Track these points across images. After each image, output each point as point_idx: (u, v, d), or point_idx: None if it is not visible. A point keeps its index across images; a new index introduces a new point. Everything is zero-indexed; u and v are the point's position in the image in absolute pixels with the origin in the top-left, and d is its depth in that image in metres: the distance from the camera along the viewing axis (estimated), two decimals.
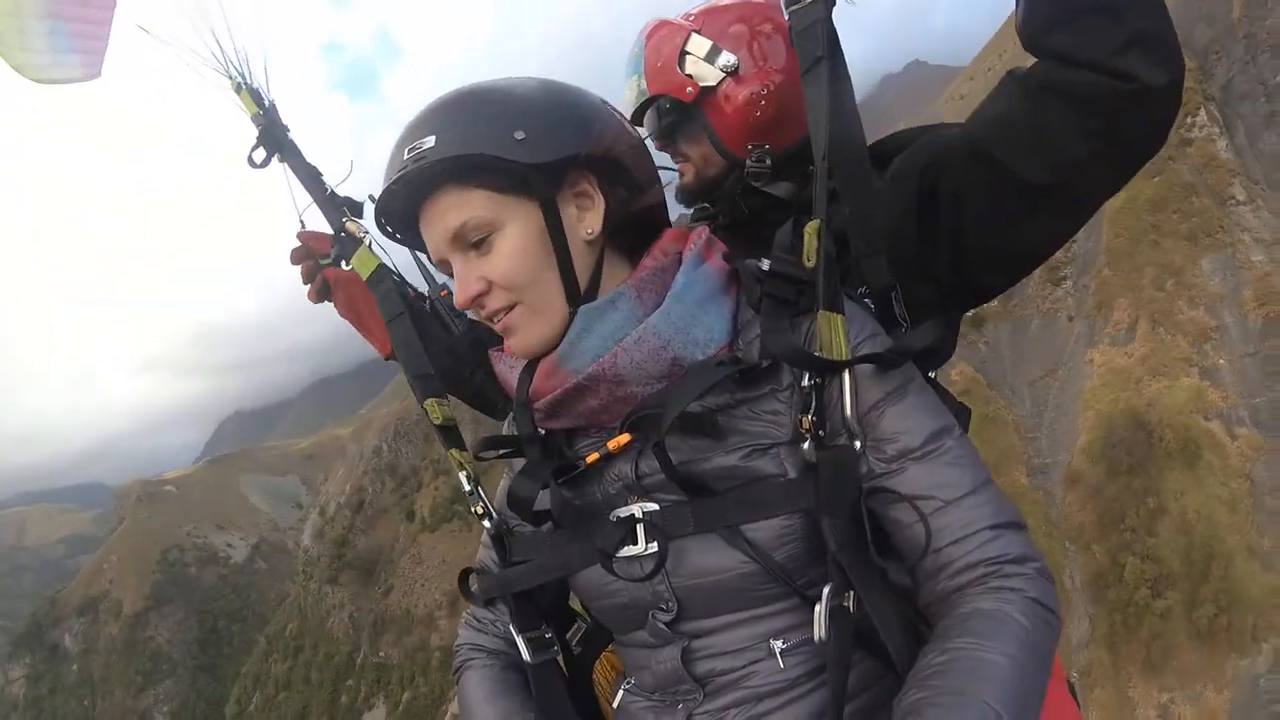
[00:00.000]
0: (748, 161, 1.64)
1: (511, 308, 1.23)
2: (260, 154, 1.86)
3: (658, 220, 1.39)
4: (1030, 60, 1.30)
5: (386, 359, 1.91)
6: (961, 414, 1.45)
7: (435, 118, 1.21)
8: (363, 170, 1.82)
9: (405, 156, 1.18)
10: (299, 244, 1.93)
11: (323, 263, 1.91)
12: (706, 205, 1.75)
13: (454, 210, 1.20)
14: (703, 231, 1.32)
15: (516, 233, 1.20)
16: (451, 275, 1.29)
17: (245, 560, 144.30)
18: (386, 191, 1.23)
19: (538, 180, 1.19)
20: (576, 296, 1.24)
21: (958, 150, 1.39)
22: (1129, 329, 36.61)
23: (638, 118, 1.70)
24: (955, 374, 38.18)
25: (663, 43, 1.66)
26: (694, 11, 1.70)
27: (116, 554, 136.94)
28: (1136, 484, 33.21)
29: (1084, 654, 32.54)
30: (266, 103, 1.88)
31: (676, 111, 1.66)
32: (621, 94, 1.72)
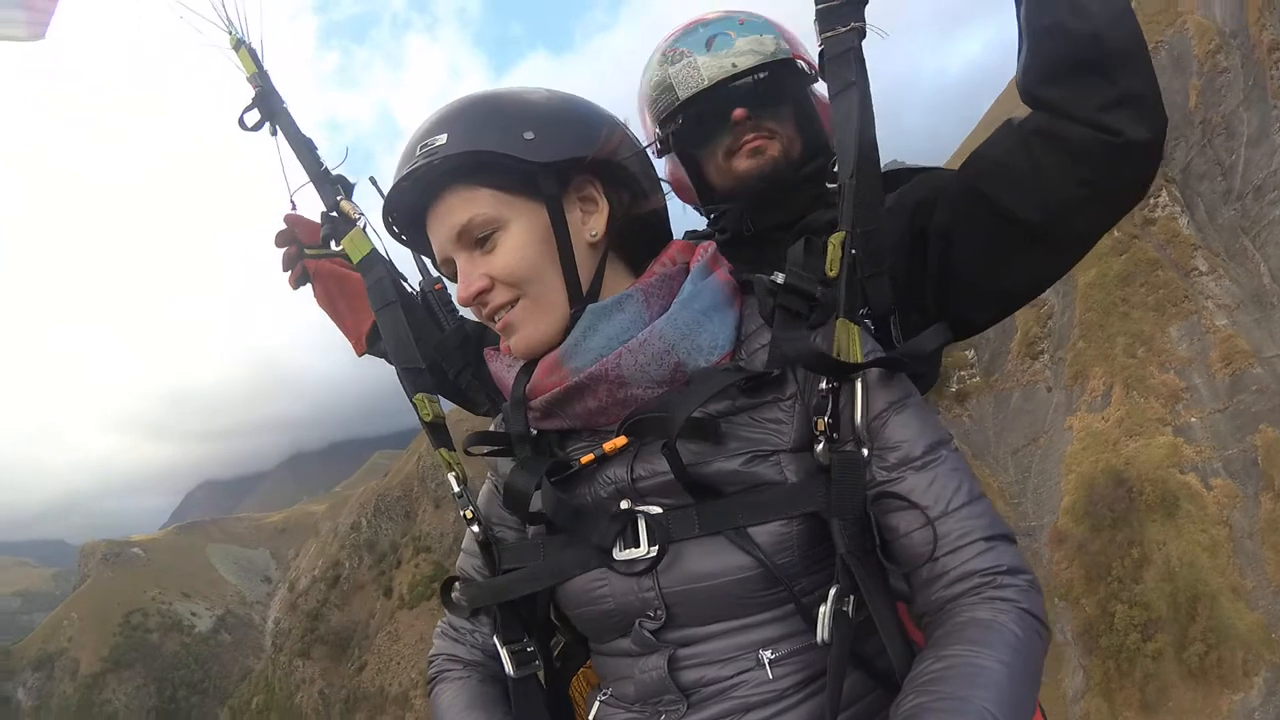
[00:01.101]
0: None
1: (513, 304, 1.25)
2: (254, 116, 1.73)
3: (660, 229, 1.40)
4: (1025, 110, 1.39)
5: (360, 355, 1.91)
6: None
7: (449, 118, 1.24)
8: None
9: (417, 153, 1.21)
10: (285, 226, 1.89)
11: (307, 251, 1.88)
12: (711, 220, 1.77)
13: (461, 207, 1.22)
14: (710, 245, 1.36)
15: (521, 231, 1.23)
16: (451, 278, 1.30)
17: (210, 630, 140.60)
18: (396, 187, 1.25)
19: (545, 180, 1.22)
20: (579, 297, 1.25)
21: (953, 189, 1.47)
22: (1104, 395, 38.51)
23: (746, 72, 1.63)
24: None
25: (784, 29, 1.70)
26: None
27: (77, 611, 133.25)
28: (1120, 537, 34.64)
29: (1081, 704, 33.30)
30: (263, 65, 1.77)
31: (800, 84, 1.69)
32: (728, 44, 1.65)
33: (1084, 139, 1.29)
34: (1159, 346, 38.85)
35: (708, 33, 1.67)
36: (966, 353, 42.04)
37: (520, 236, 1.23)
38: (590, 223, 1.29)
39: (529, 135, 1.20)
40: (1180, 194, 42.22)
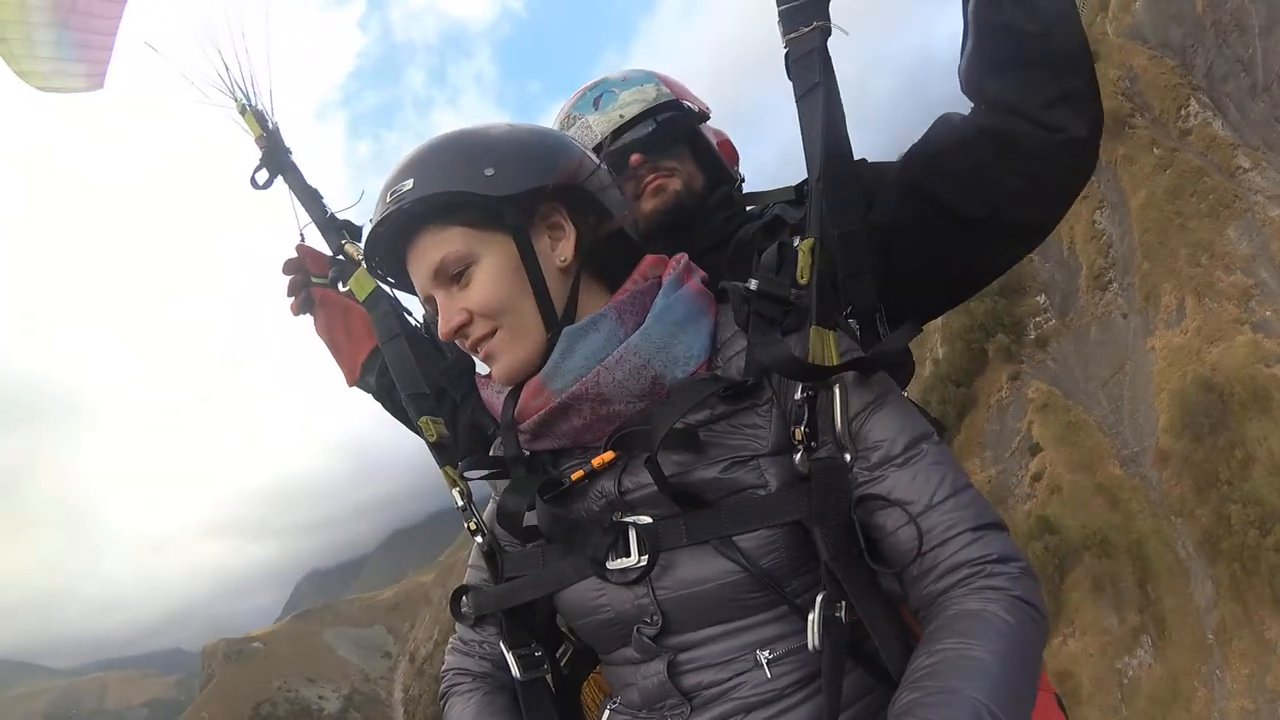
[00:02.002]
0: (737, 178, 1.83)
1: (492, 335, 1.29)
2: (263, 175, 1.87)
3: (630, 246, 1.40)
4: (964, 106, 1.41)
5: (350, 386, 1.97)
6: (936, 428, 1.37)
7: (413, 163, 1.28)
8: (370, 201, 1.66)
9: (388, 199, 1.26)
10: (295, 255, 1.96)
11: (314, 280, 1.95)
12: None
13: (434, 247, 1.27)
14: (682, 257, 1.39)
15: (492, 264, 1.27)
16: (435, 316, 1.34)
17: (339, 711, 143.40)
18: (372, 235, 1.31)
19: (509, 212, 1.26)
20: (554, 321, 1.29)
21: (892, 189, 1.48)
22: (1178, 309, 38.79)
23: (635, 121, 1.74)
24: (1032, 392, 40.78)
25: (672, 81, 1.83)
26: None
27: (208, 711, 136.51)
28: (1221, 442, 34.88)
29: (1214, 614, 33.47)
30: (270, 125, 1.88)
31: (688, 123, 1.79)
32: (613, 99, 1.76)
33: (1025, 134, 1.31)
34: (1220, 250, 39.23)
35: (594, 94, 1.78)
36: (1038, 299, 42.77)
37: (491, 270, 1.26)
38: (559, 248, 1.31)
39: (489, 171, 1.24)
40: (1209, 98, 42.55)
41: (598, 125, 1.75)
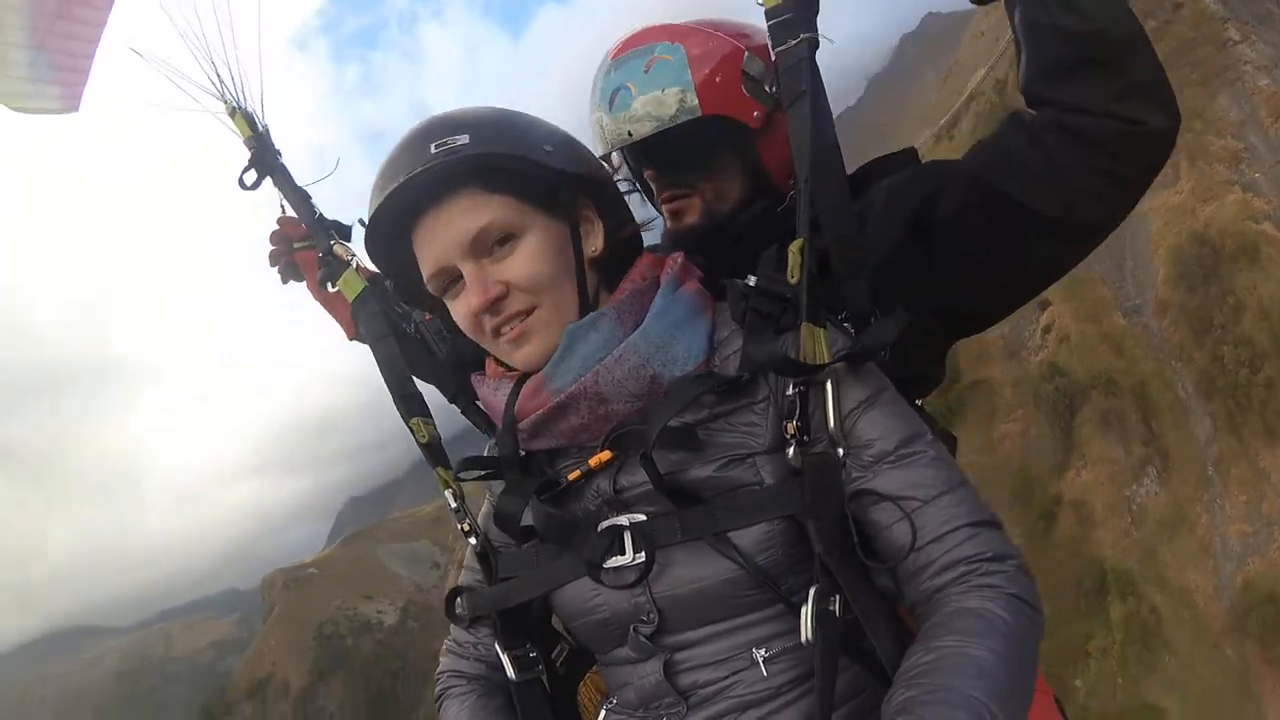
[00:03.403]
0: (789, 198, 1.55)
1: (528, 313, 1.25)
2: (251, 176, 1.85)
3: (634, 249, 1.41)
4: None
5: (350, 340, 2.00)
6: (946, 440, 1.36)
7: (464, 122, 1.24)
8: (345, 199, 1.71)
9: (433, 150, 1.18)
10: (277, 228, 1.97)
11: (296, 246, 1.96)
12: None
13: (475, 211, 1.22)
14: (679, 257, 1.38)
15: (538, 240, 1.25)
16: (445, 293, 1.29)
17: (397, 623, 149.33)
18: (402, 187, 1.20)
19: (566, 192, 1.26)
20: (588, 308, 1.29)
21: (962, 184, 1.45)
22: (1173, 171, 41.48)
23: (662, 136, 1.56)
24: None
25: (713, 55, 1.55)
26: (705, 25, 1.60)
27: (274, 638, 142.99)
28: (1214, 291, 38.35)
29: (1214, 447, 37.31)
30: (260, 127, 1.86)
31: (723, 136, 1.57)
32: (626, 104, 1.57)
33: (1102, 129, 1.29)
34: (1211, 116, 42.27)
35: (615, 81, 1.60)
36: None
37: (538, 245, 1.25)
38: (592, 240, 1.32)
39: (548, 148, 1.23)
40: None
41: (608, 132, 1.61)
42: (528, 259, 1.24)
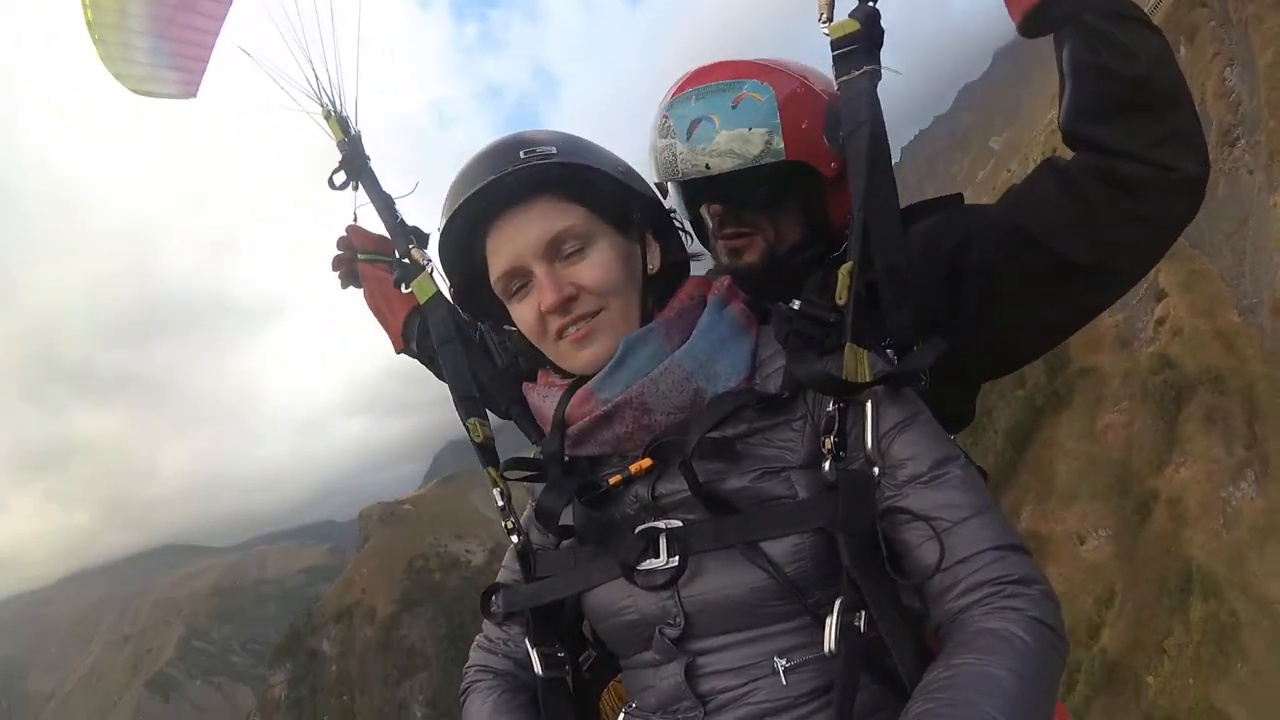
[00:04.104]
0: (845, 247, 1.53)
1: (596, 313, 1.34)
2: (340, 177, 1.97)
3: (681, 271, 1.52)
4: (1067, 153, 1.42)
5: (398, 353, 2.07)
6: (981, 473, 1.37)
7: (550, 138, 1.34)
8: (429, 201, 1.74)
9: (521, 155, 1.28)
10: (345, 234, 2.06)
11: (360, 256, 2.06)
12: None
13: (554, 216, 1.32)
14: (725, 279, 1.46)
15: (609, 249, 1.35)
16: (512, 295, 1.38)
17: (484, 563, 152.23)
18: (489, 186, 1.29)
19: (634, 210, 1.36)
20: (647, 319, 1.36)
21: (994, 229, 1.47)
22: None
23: (734, 175, 1.57)
24: None
25: (802, 105, 1.58)
26: (783, 65, 1.62)
27: (366, 567, 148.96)
28: None
29: None
30: (353, 131, 1.97)
31: (798, 183, 1.61)
32: (708, 137, 1.56)
33: (1139, 175, 1.31)
34: None
35: (696, 112, 1.58)
36: None
37: (609, 253, 1.35)
38: (652, 258, 1.42)
39: (621, 169, 1.35)
40: None
41: (682, 162, 1.59)
42: (599, 265, 1.33)
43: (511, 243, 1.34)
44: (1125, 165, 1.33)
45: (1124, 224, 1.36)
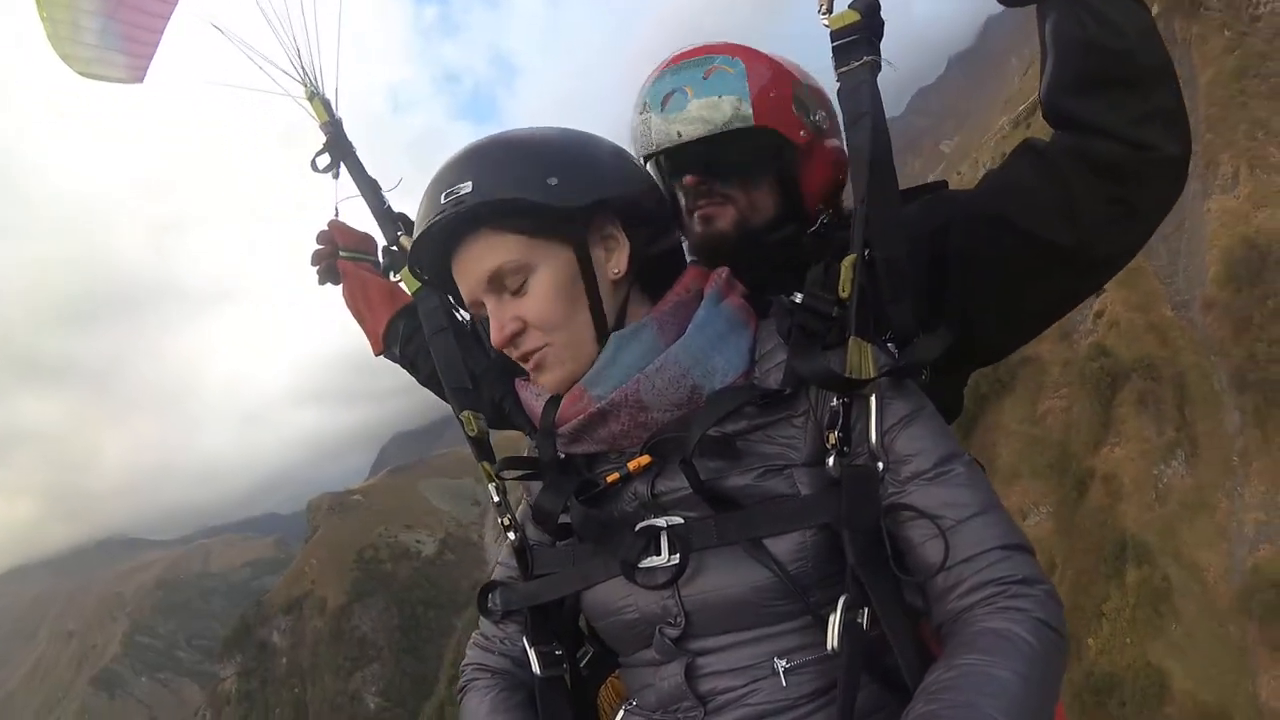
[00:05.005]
0: (817, 220, 1.63)
1: (543, 347, 1.29)
2: (324, 160, 1.91)
3: (677, 261, 1.46)
4: (1046, 133, 1.39)
5: (377, 355, 2.04)
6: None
7: (470, 163, 1.26)
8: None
9: (442, 201, 1.23)
10: (326, 229, 2.02)
11: (342, 254, 2.02)
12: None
13: (489, 253, 1.26)
14: (723, 271, 1.40)
15: (549, 275, 1.27)
16: (482, 319, 1.33)
17: (435, 554, 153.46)
18: (423, 235, 1.28)
19: (571, 224, 1.26)
20: (605, 336, 1.31)
21: (972, 214, 1.45)
22: (1233, 177, 43.65)
23: (710, 142, 1.54)
24: None
25: (766, 76, 1.58)
26: (748, 51, 1.61)
27: (315, 558, 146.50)
28: (1257, 292, 40.35)
29: (1240, 439, 39.50)
30: (336, 113, 1.92)
31: (768, 150, 1.59)
32: (680, 105, 1.55)
33: (1116, 154, 1.28)
34: (1276, 128, 44.09)
35: (670, 85, 1.59)
36: None
37: (549, 281, 1.27)
38: (613, 260, 1.32)
39: (552, 180, 1.22)
40: None
41: (656, 133, 1.59)
42: (539, 297, 1.27)
43: (464, 279, 1.32)
44: (1103, 143, 1.30)
45: (1103, 205, 1.33)
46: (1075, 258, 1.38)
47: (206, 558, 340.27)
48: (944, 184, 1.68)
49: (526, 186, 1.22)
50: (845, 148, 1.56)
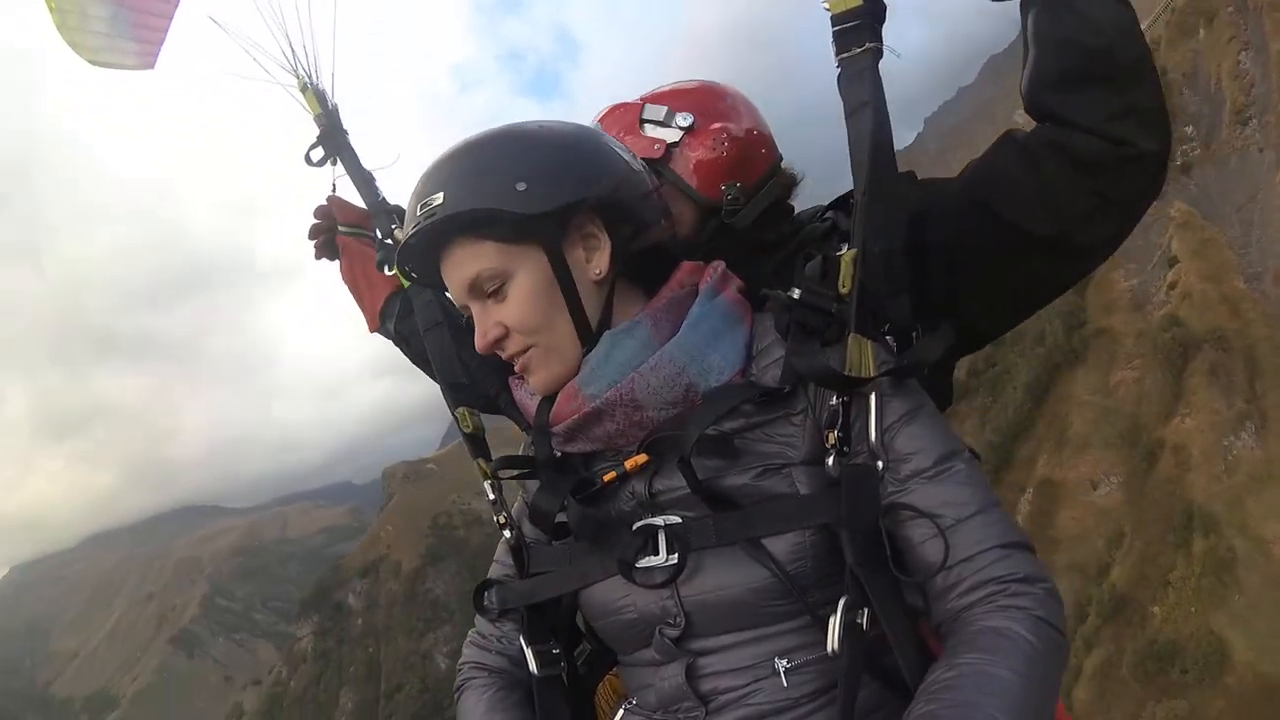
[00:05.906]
0: (724, 200, 1.65)
1: (528, 350, 1.29)
2: (319, 153, 1.90)
3: (670, 253, 1.40)
4: (1028, 125, 1.39)
5: (371, 332, 2.03)
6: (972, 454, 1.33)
7: (441, 173, 1.26)
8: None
9: (418, 213, 1.25)
10: (325, 204, 2.00)
11: (341, 229, 2.00)
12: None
13: (467, 262, 1.27)
14: (719, 265, 1.39)
15: (527, 280, 1.26)
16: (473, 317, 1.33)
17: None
18: (405, 246, 1.30)
19: (541, 228, 1.24)
20: (589, 335, 1.30)
21: (953, 203, 1.45)
22: None
23: None
24: (1174, 211, 46.09)
25: (618, 118, 1.70)
26: (611, 109, 1.73)
27: (391, 524, 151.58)
28: None
29: None
30: (330, 105, 1.90)
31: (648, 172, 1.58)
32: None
33: (1094, 149, 1.29)
34: None
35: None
36: (1186, 129, 47.99)
37: (526, 286, 1.26)
38: (594, 260, 1.31)
39: (521, 186, 1.21)
40: None
41: None
42: (518, 302, 1.27)
43: (449, 284, 1.34)
44: (1082, 139, 1.29)
45: (1083, 198, 1.33)
46: (1057, 247, 1.39)
47: (283, 525, 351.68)
48: (911, 174, 1.59)
49: (494, 195, 1.22)
50: (743, 130, 1.68)
